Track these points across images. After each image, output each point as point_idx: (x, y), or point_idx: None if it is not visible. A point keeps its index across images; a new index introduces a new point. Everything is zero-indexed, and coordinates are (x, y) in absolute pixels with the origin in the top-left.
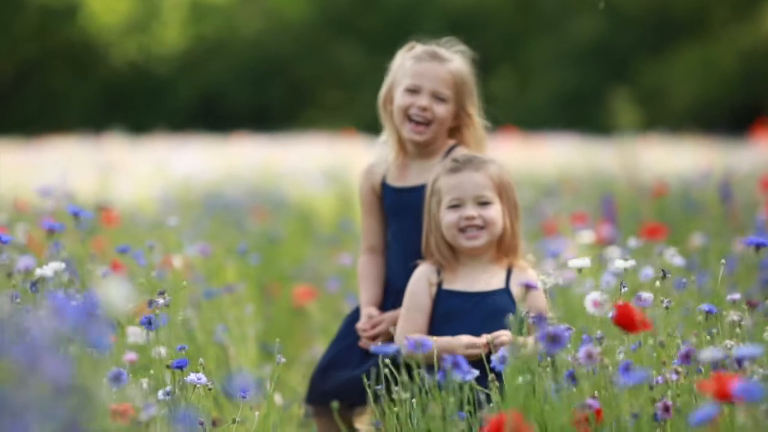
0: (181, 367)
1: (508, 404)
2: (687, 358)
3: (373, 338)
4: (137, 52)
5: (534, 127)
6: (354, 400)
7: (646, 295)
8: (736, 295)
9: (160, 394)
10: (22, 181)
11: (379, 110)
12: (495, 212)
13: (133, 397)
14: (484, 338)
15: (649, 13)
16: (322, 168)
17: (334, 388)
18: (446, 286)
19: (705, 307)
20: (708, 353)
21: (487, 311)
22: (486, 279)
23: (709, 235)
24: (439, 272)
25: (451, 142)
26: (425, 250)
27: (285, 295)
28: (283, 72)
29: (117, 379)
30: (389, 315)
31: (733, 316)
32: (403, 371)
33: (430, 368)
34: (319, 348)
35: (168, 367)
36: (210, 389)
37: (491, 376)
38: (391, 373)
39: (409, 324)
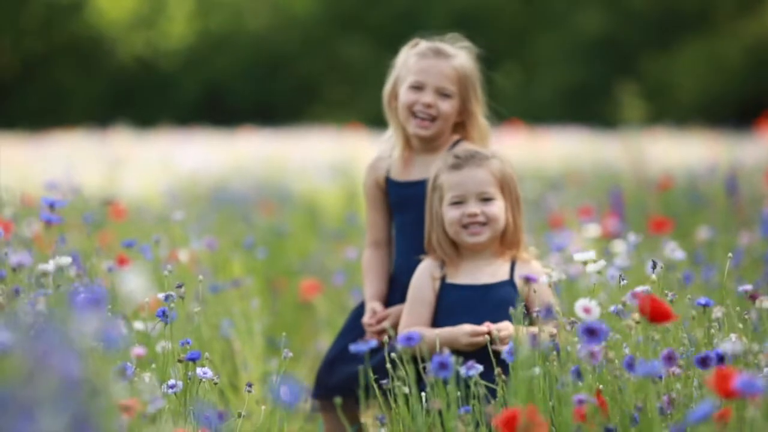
0: (193, 360)
1: (516, 398)
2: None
3: (379, 333)
4: (143, 47)
5: (540, 121)
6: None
7: (646, 288)
8: (748, 287)
9: (165, 388)
10: (28, 176)
11: (384, 106)
12: (497, 208)
13: (141, 391)
14: (486, 326)
15: (655, 7)
16: (328, 162)
17: (340, 382)
18: (450, 280)
19: (702, 300)
20: (729, 346)
21: (492, 303)
22: (490, 272)
23: (716, 229)
24: (442, 266)
25: (456, 137)
26: (427, 246)
27: (291, 289)
28: (289, 67)
29: (123, 373)
30: (394, 309)
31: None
32: (407, 365)
33: None
34: (325, 342)
35: (180, 360)
36: (216, 383)
37: (498, 370)
38: (395, 367)
39: (412, 318)
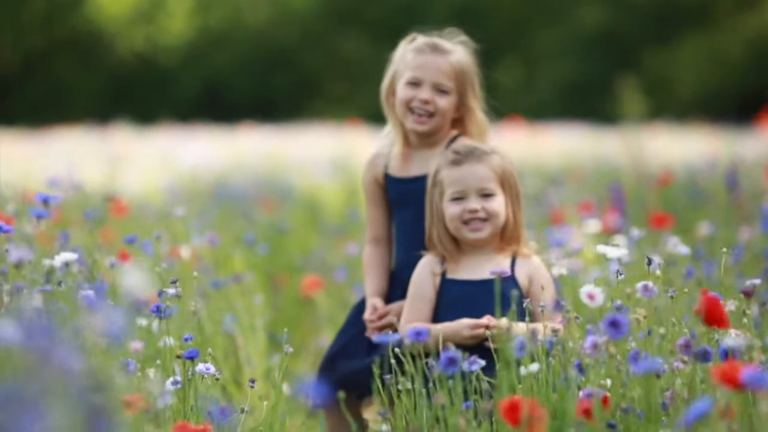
0: (192, 358)
1: (519, 392)
2: (687, 348)
3: (380, 329)
4: (143, 43)
5: (540, 116)
6: (362, 390)
7: (649, 285)
8: (757, 281)
9: (168, 384)
10: (29, 172)
11: (382, 102)
12: (498, 204)
13: (147, 387)
14: (486, 319)
15: (655, 1)
16: (329, 158)
17: (341, 378)
18: (451, 275)
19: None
20: (730, 341)
21: (493, 298)
22: (491, 267)
23: (716, 224)
24: (442, 262)
25: (454, 132)
26: (428, 242)
27: (292, 285)
28: (288, 62)
29: (125, 368)
30: (395, 306)
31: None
32: (409, 361)
33: (439, 357)
34: (326, 338)
35: (178, 356)
36: (218, 379)
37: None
38: (398, 363)
39: (413, 314)
